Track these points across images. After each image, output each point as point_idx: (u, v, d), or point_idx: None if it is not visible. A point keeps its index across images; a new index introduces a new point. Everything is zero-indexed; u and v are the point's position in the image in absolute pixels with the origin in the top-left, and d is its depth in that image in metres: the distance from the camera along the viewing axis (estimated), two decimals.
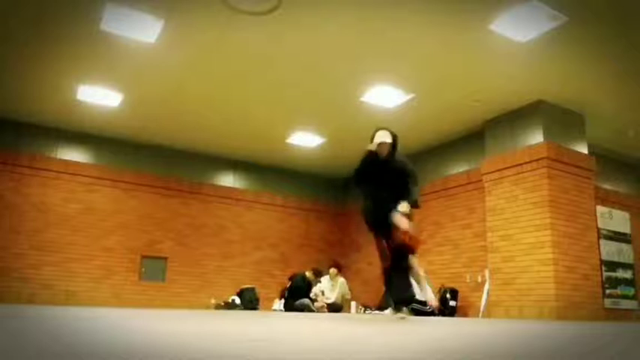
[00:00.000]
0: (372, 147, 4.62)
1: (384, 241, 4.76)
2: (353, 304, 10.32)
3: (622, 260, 9.12)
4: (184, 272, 10.17)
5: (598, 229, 8.58)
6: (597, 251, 8.04)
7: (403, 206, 4.51)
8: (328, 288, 9.53)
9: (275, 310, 10.00)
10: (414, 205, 4.59)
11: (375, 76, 7.29)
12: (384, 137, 4.68)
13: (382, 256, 4.80)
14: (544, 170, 7.51)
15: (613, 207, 9.29)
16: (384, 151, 4.65)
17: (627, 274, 9.14)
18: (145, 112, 8.86)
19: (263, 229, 11.23)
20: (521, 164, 7.80)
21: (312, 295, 9.24)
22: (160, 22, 6.00)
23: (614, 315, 8.41)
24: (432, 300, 7.39)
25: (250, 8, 5.69)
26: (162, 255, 10.06)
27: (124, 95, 8.09)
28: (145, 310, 7.13)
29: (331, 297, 9.42)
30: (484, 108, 8.11)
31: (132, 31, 6.18)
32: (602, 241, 8.77)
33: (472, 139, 9.10)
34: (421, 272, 5.04)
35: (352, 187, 11.80)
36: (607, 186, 9.43)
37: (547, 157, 7.51)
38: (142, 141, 10.16)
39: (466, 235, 8.96)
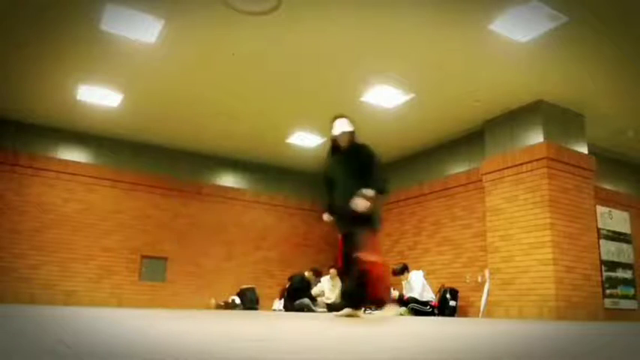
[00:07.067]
0: (335, 132, 4.44)
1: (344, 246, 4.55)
2: None
3: (622, 260, 9.13)
4: (184, 272, 10.16)
5: (598, 229, 8.59)
6: (597, 251, 8.04)
7: (368, 191, 4.24)
8: (328, 288, 9.53)
9: (275, 310, 10.00)
10: (380, 191, 4.34)
11: (375, 76, 7.28)
12: (343, 126, 4.47)
13: (341, 260, 4.65)
14: (544, 170, 7.51)
15: (613, 207, 9.29)
16: (345, 141, 4.45)
17: (627, 274, 9.15)
18: (145, 112, 8.86)
19: (263, 229, 11.22)
20: (521, 164, 7.80)
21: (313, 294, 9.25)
22: (160, 22, 6.00)
23: (614, 315, 8.41)
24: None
25: (250, 8, 5.69)
26: (163, 255, 10.06)
27: (124, 95, 8.09)
28: (145, 310, 7.13)
29: (331, 297, 9.41)
30: (484, 108, 8.11)
31: (132, 31, 6.18)
32: (602, 241, 8.77)
33: (472, 139, 9.10)
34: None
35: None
36: (607, 186, 9.43)
37: (547, 157, 7.51)
38: (142, 141, 10.15)
39: (466, 235, 8.96)
